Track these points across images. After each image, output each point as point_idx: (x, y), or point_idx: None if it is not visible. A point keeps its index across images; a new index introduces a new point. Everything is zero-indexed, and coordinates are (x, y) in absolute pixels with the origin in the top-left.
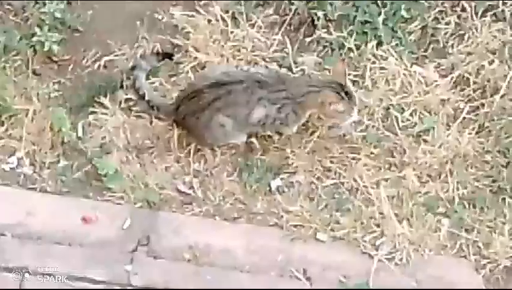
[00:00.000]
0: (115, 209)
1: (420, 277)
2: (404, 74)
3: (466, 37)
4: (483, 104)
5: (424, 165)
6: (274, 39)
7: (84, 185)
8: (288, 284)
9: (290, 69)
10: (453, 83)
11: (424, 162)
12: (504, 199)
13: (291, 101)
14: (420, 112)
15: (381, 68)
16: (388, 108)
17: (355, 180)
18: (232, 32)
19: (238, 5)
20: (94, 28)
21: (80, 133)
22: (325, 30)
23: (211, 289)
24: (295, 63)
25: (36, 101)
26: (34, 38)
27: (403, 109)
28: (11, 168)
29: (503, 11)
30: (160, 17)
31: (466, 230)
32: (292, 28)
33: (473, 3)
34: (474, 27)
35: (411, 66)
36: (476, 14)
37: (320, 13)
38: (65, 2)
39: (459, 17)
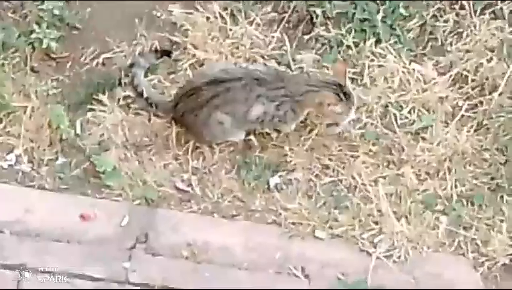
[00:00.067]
0: (113, 206)
1: (418, 275)
2: (402, 72)
3: (464, 34)
4: (481, 102)
5: (422, 163)
6: (272, 37)
7: (83, 182)
8: (287, 281)
9: (288, 66)
10: (452, 80)
11: (423, 160)
12: (502, 196)
13: (289, 99)
14: (418, 110)
15: (380, 66)
16: (387, 106)
17: (353, 178)
18: (230, 29)
19: (237, 2)
20: (92, 26)
21: (78, 131)
22: (324, 28)
23: (210, 289)
24: (294, 60)
25: (34, 98)
26: (33, 36)
27: (401, 106)
28: (9, 165)
29: (501, 9)
30: (158, 14)
31: (464, 228)
32: (291, 25)
33: (471, 1)
34: (472, 25)
35: (409, 64)
36: (475, 11)
37: (318, 11)
38: None
39: (457, 14)
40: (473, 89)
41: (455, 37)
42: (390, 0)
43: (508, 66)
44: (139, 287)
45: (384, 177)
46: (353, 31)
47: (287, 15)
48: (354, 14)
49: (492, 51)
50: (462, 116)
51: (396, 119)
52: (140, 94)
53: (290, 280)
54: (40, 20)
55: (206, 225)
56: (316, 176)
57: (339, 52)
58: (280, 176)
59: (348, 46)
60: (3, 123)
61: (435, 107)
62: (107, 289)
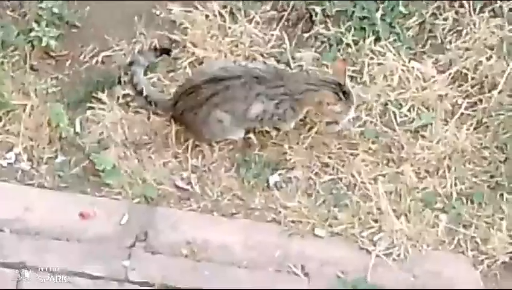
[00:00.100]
0: (113, 204)
1: (418, 273)
2: (402, 70)
3: (464, 32)
4: (481, 100)
5: (422, 161)
6: (272, 35)
7: (82, 180)
8: (286, 279)
9: (288, 64)
10: (451, 78)
11: (422, 158)
12: (502, 194)
13: (289, 97)
14: (418, 108)
15: (379, 64)
16: (386, 104)
17: (353, 176)
18: (229, 27)
19: (236, 0)
20: (92, 24)
21: (78, 129)
22: (323, 26)
23: (209, 289)
24: (293, 58)
25: (34, 97)
26: (32, 34)
27: (400, 104)
28: (8, 164)
29: (501, 7)
30: (158, 12)
31: (464, 226)
32: (290, 23)
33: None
34: (472, 23)
35: (409, 62)
36: (474, 9)
37: (318, 9)
38: None
39: (457, 12)
40: (472, 87)
41: (454, 35)
42: None
43: (508, 64)
44: (138, 286)
45: (383, 175)
46: (352, 29)
47: (286, 13)
48: (353, 12)
49: (492, 49)
50: (462, 114)
51: (395, 117)
52: (140, 92)
53: (289, 278)
54: (39, 19)
55: (206, 223)
56: (316, 174)
57: (339, 50)
58: (279, 174)
59: (348, 44)
60: (3, 121)
61: (435, 105)
62: (106, 288)
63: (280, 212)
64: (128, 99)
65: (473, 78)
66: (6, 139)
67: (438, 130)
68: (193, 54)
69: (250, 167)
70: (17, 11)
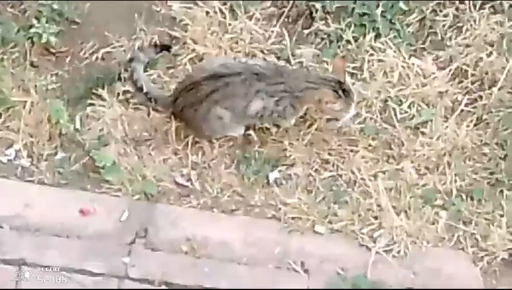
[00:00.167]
0: (113, 201)
1: (418, 269)
2: (402, 66)
3: (464, 29)
4: (481, 97)
5: (422, 158)
6: (272, 31)
7: (82, 177)
8: (286, 276)
9: (288, 61)
10: (451, 75)
11: (422, 155)
12: (502, 191)
13: (289, 94)
14: (418, 104)
15: (379, 60)
16: (386, 100)
17: (353, 173)
18: (230, 24)
19: None
20: (92, 20)
21: (78, 125)
22: (323, 22)
23: (209, 286)
24: (293, 55)
25: (34, 93)
26: (32, 30)
27: (401, 101)
28: (8, 160)
29: (501, 3)
30: (158, 9)
31: (464, 222)
32: (290, 20)
33: None
34: (472, 19)
35: (409, 58)
36: (474, 6)
37: (318, 5)
38: None
39: (457, 9)
40: (472, 83)
41: (455, 31)
42: None
43: (508, 61)
44: (138, 282)
45: (383, 172)
46: (353, 25)
47: (286, 10)
48: (353, 8)
49: (492, 46)
50: (462, 110)
51: (395, 114)
52: (140, 89)
53: (289, 275)
54: (39, 15)
55: (206, 220)
56: (316, 170)
57: (339, 47)
58: (279, 171)
59: (348, 41)
60: (3, 118)
61: (435, 102)
62: (106, 284)
63: (280, 209)
64: (128, 95)
65: (473, 75)
66: (6, 135)
67: (438, 126)
68: (193, 50)
69: (250, 164)
70: (17, 7)
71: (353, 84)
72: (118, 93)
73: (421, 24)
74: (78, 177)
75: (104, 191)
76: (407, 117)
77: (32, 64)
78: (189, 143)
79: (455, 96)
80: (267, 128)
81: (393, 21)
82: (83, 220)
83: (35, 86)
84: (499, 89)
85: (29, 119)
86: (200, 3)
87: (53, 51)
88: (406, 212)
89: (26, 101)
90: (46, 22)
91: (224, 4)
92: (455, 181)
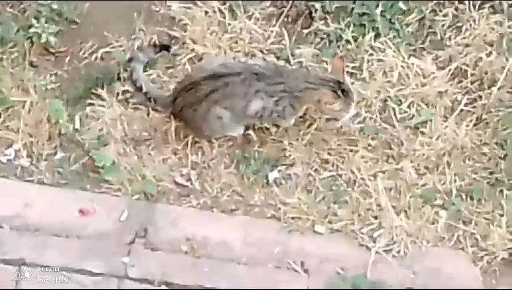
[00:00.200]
0: (112, 201)
1: (417, 269)
2: (401, 66)
3: (464, 29)
4: (480, 96)
5: (421, 157)
6: (271, 31)
7: (82, 177)
8: (286, 276)
9: (287, 61)
10: (451, 75)
11: (422, 154)
12: (501, 191)
13: (288, 94)
14: (418, 104)
15: (379, 60)
16: (386, 100)
17: (352, 173)
18: (229, 24)
19: None
20: (91, 20)
21: (77, 125)
22: (323, 22)
23: (209, 288)
24: (293, 55)
25: (33, 93)
26: (31, 30)
27: (400, 100)
28: (8, 160)
29: (500, 3)
30: (157, 9)
31: (463, 222)
32: (290, 19)
33: None
34: (471, 19)
35: (409, 58)
36: (474, 6)
37: (317, 5)
38: None
39: (456, 9)
40: (472, 83)
41: (454, 31)
42: None
43: (507, 60)
44: (138, 282)
45: (383, 172)
46: (352, 25)
47: (286, 9)
48: (353, 8)
49: (492, 45)
50: (461, 110)
51: (395, 114)
52: (139, 89)
53: (289, 275)
54: (39, 15)
55: (205, 220)
56: (315, 170)
57: (338, 47)
58: (279, 171)
59: (347, 41)
60: (2, 118)
61: (434, 102)
62: (106, 284)
63: (280, 208)
64: (128, 95)
65: (472, 75)
66: (6, 135)
67: (438, 126)
68: (192, 50)
69: (250, 164)
70: (16, 7)
71: (352, 84)
72: (118, 93)
73: (420, 24)
74: (78, 177)
75: (103, 191)
76: (407, 117)
77: (31, 64)
78: (189, 143)
79: (455, 96)
80: (267, 128)
81: (392, 21)
82: (83, 220)
83: (35, 85)
84: (498, 89)
85: (29, 119)
86: (199, 3)
87: (52, 50)
88: (405, 212)
89: (25, 101)
90: (46, 22)
91: (224, 4)
92: (455, 181)
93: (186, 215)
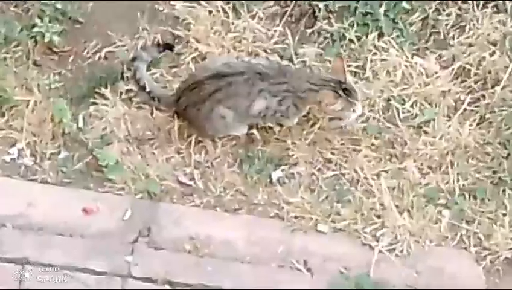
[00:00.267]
0: (116, 200)
1: (420, 268)
2: (405, 66)
3: (467, 28)
4: (484, 96)
5: (424, 157)
6: (275, 30)
7: (85, 176)
8: (289, 275)
9: (291, 60)
10: (454, 74)
11: (425, 154)
12: (505, 190)
13: (292, 94)
14: (421, 104)
15: (382, 59)
16: (389, 99)
17: (356, 172)
18: (233, 23)
19: None
20: (95, 19)
21: (81, 124)
22: (326, 21)
23: (213, 287)
24: (296, 54)
25: (37, 92)
26: (35, 29)
27: (403, 100)
28: (11, 159)
29: (504, 2)
30: (161, 8)
31: (467, 221)
32: (293, 19)
33: None
34: (475, 18)
35: (412, 58)
36: (477, 5)
37: (321, 4)
38: None
39: (460, 8)
40: (475, 82)
41: (458, 30)
42: None
43: (511, 60)
44: (141, 281)
45: (386, 171)
46: (355, 24)
47: (289, 9)
48: (356, 7)
49: (495, 45)
50: (465, 110)
51: (398, 113)
52: (143, 88)
53: (292, 274)
54: (42, 14)
55: (209, 219)
56: (319, 169)
57: (341, 46)
58: (282, 170)
59: (351, 40)
60: (6, 117)
61: (438, 101)
62: (109, 283)
63: (283, 208)
64: (131, 94)
65: (476, 74)
66: (10, 134)
67: (441, 125)
68: (196, 49)
69: (253, 163)
70: (20, 6)
71: (356, 83)
72: (121, 93)
73: (424, 23)
74: (81, 176)
75: (107, 190)
76: (410, 116)
77: (35, 64)
78: (192, 142)
79: (458, 95)
80: (270, 128)
81: (396, 20)
82: (86, 219)
83: (38, 85)
84: (501, 88)
85: (32, 118)
86: (203, 2)
87: (56, 50)
88: (408, 211)
89: (29, 100)
90: (49, 21)
91: (227, 3)
92: (458, 180)
93: (190, 215)
